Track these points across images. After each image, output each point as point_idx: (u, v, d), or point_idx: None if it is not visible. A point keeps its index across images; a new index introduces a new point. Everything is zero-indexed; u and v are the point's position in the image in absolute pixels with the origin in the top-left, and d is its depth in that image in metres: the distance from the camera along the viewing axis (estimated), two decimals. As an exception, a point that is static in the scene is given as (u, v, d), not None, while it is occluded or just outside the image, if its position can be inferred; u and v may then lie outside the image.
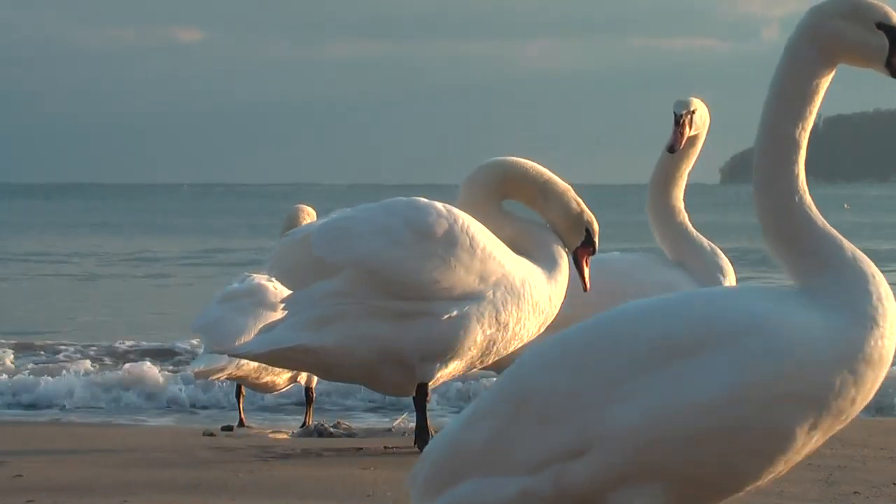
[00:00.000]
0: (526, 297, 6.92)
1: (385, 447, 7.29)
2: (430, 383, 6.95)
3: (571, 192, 7.28)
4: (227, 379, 9.24)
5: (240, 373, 9.09)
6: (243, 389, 9.76)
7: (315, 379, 9.69)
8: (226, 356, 8.93)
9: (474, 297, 6.79)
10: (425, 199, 6.94)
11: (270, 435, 8.80)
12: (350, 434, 8.63)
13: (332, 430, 8.70)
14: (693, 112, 7.95)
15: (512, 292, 6.88)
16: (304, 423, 9.53)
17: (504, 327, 6.89)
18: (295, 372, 9.38)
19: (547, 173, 7.31)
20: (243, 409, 9.86)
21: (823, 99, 3.61)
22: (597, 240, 7.28)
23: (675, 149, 7.87)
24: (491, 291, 6.81)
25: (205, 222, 60.56)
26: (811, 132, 3.58)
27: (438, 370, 6.88)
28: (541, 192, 7.25)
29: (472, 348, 6.85)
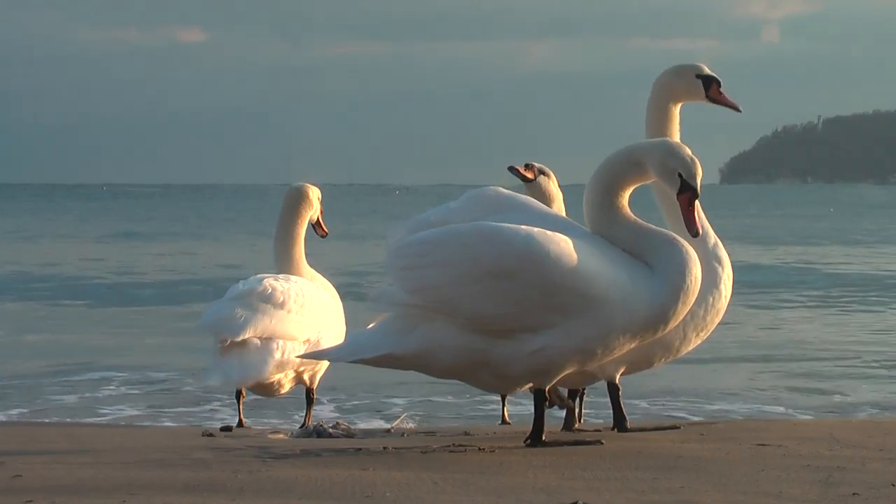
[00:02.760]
0: (613, 325, 6.62)
1: (384, 448, 7.28)
2: (546, 389, 6.88)
3: (661, 140, 7.05)
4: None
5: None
6: (244, 391, 9.76)
7: (317, 380, 9.70)
8: (248, 372, 8.99)
9: (550, 331, 6.59)
10: (507, 230, 6.63)
11: (269, 435, 8.80)
12: (349, 435, 8.62)
13: (331, 430, 8.70)
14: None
15: (596, 322, 6.60)
16: (303, 424, 9.53)
17: (590, 354, 6.69)
18: (300, 372, 9.42)
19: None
20: (242, 410, 9.86)
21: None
22: (695, 183, 6.75)
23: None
24: (573, 323, 6.57)
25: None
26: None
27: (545, 382, 6.83)
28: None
29: (557, 373, 6.77)
